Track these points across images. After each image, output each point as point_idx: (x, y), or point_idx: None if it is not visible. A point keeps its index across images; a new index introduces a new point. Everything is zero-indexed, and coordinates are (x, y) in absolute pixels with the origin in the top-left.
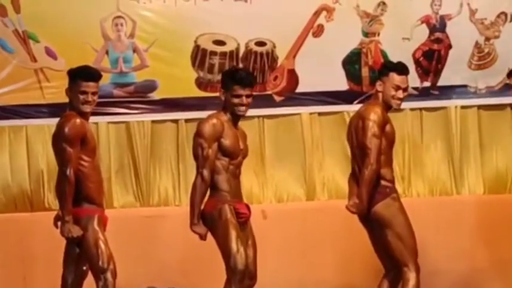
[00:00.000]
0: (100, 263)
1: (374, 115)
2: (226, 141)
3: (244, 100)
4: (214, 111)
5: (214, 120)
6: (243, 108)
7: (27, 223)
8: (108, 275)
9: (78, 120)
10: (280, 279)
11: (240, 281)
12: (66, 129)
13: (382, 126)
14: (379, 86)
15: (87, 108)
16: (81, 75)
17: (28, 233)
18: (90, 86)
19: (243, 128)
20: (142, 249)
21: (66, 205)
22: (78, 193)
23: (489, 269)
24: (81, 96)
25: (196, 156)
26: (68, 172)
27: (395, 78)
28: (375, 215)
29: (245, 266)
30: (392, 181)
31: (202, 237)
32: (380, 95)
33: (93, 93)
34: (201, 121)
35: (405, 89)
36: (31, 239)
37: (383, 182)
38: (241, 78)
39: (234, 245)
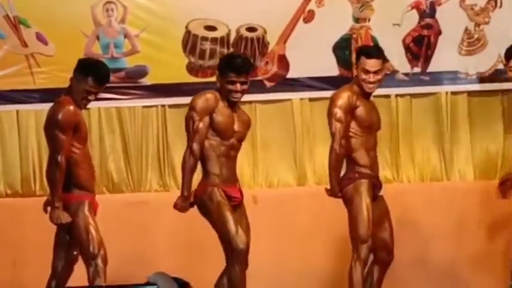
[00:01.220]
0: (91, 248)
1: (339, 100)
2: (218, 117)
3: (239, 87)
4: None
5: (208, 95)
6: (238, 94)
7: (17, 208)
8: (99, 261)
9: (71, 107)
10: (271, 264)
11: (244, 261)
12: (60, 116)
13: (348, 110)
14: (354, 70)
15: (85, 105)
16: (95, 74)
17: (18, 219)
18: (99, 89)
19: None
20: (133, 235)
21: (56, 192)
22: (68, 179)
23: (478, 255)
24: (85, 95)
25: (187, 129)
26: (59, 159)
27: (365, 62)
28: (343, 198)
29: (246, 245)
30: (367, 166)
31: (178, 208)
32: (354, 79)
33: (96, 94)
34: (195, 95)
35: (376, 72)
36: (21, 225)
37: (355, 167)
38: (237, 65)
39: (232, 227)
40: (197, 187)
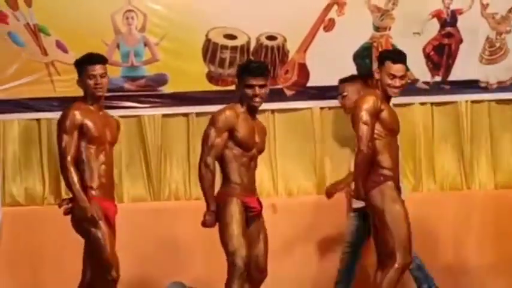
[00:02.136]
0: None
1: (365, 103)
2: (240, 132)
3: (257, 90)
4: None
5: (227, 112)
6: (257, 99)
7: (39, 216)
8: (113, 272)
9: (75, 109)
10: (290, 273)
11: (240, 278)
12: (62, 118)
13: (373, 113)
14: (377, 74)
15: (99, 92)
16: (86, 60)
17: (38, 228)
18: (96, 68)
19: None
20: (153, 243)
21: (74, 192)
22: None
23: (499, 264)
24: (91, 81)
25: (203, 144)
26: (66, 162)
27: (390, 66)
28: (368, 201)
29: (245, 265)
30: (391, 169)
31: (208, 225)
32: (379, 83)
33: (102, 76)
34: (216, 112)
35: (401, 77)
36: (40, 233)
37: (379, 169)
38: (253, 68)
39: (234, 242)
40: (216, 195)
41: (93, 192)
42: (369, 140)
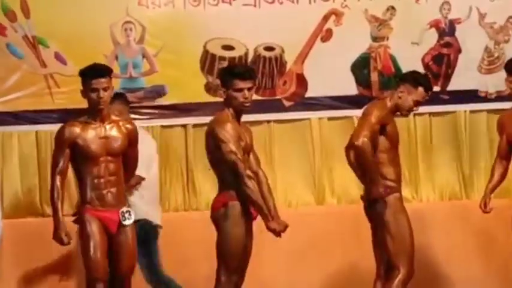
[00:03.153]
0: (89, 270)
1: (377, 110)
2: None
3: (247, 93)
4: (218, 113)
5: (229, 124)
6: (247, 103)
7: (35, 229)
8: (100, 285)
9: (68, 126)
10: (289, 284)
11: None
12: (56, 134)
13: (380, 120)
14: (400, 92)
15: (100, 106)
16: (89, 72)
17: (38, 239)
18: (99, 82)
19: (251, 131)
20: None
21: (54, 212)
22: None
23: (499, 273)
24: (93, 94)
25: (233, 163)
26: (53, 177)
27: (422, 93)
28: (374, 212)
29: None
30: (395, 181)
31: (278, 232)
32: (396, 98)
33: (105, 89)
34: (215, 128)
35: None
36: (38, 246)
37: (385, 181)
38: (240, 71)
39: (234, 247)
40: (214, 199)
41: (87, 205)
42: (371, 135)
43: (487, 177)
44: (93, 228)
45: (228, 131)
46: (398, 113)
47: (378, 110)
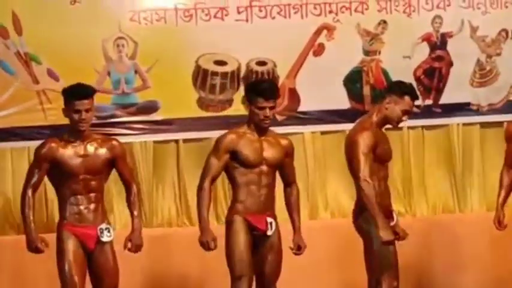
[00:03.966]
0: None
1: (363, 140)
2: (242, 152)
3: (268, 112)
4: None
5: (228, 135)
6: (267, 120)
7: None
8: None
9: (49, 142)
10: None
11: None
12: (36, 148)
13: (371, 149)
14: (386, 104)
15: (82, 127)
16: (72, 93)
17: (27, 256)
18: (82, 104)
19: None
20: (145, 270)
21: (25, 223)
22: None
23: (491, 286)
24: (75, 115)
25: (204, 167)
26: (24, 190)
27: (409, 102)
28: (357, 228)
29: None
30: (378, 195)
31: (204, 247)
32: (384, 109)
33: (87, 110)
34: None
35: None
36: (33, 261)
37: None
38: (264, 90)
39: (237, 267)
40: (226, 215)
41: (65, 221)
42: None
43: (481, 190)
44: (69, 244)
45: (219, 140)
46: (389, 125)
47: (364, 138)
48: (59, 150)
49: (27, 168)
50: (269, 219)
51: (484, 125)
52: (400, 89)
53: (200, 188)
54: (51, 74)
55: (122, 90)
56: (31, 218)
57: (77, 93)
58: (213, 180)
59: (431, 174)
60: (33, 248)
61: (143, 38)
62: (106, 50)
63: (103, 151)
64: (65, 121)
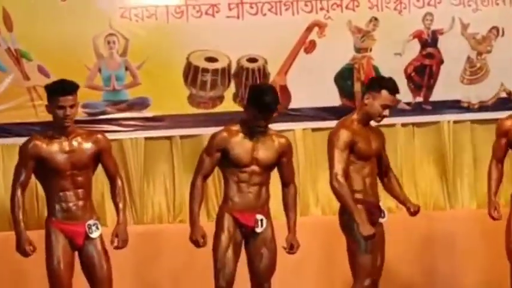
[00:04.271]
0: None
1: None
2: (234, 151)
3: (263, 123)
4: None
5: (220, 133)
6: (262, 128)
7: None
8: None
9: (34, 139)
10: None
11: None
12: (20, 146)
13: (348, 146)
14: (366, 99)
15: (67, 123)
16: (56, 90)
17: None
18: (67, 100)
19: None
20: (136, 267)
21: (14, 224)
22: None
23: (482, 284)
24: (59, 111)
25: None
26: (13, 188)
27: (387, 97)
28: (340, 224)
29: (227, 283)
30: (362, 191)
31: (195, 244)
32: (364, 106)
33: (71, 106)
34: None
35: (390, 107)
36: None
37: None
38: (265, 105)
39: (218, 263)
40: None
41: (53, 218)
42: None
43: (471, 187)
44: (58, 241)
45: (211, 137)
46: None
47: (339, 136)
48: (43, 147)
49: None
50: (259, 217)
51: (474, 122)
52: (377, 84)
53: (192, 185)
54: (41, 70)
55: (112, 87)
56: (21, 217)
57: (61, 90)
58: (205, 177)
59: (422, 171)
60: (22, 249)
61: (134, 35)
62: (97, 46)
63: (88, 145)
64: None
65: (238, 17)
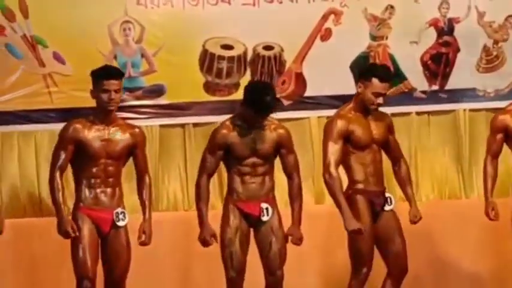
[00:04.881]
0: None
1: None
2: (234, 146)
3: (261, 120)
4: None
5: (220, 131)
6: (262, 123)
7: (36, 228)
8: (85, 283)
9: (73, 123)
10: (289, 283)
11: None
12: (60, 130)
13: (341, 135)
14: (359, 88)
15: (111, 107)
16: (101, 74)
17: (37, 239)
18: (111, 84)
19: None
20: (151, 254)
21: (55, 206)
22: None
23: (498, 272)
24: (104, 95)
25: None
26: (52, 173)
27: (377, 85)
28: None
29: (237, 273)
30: (363, 181)
31: (203, 243)
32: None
33: (116, 91)
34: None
35: (384, 94)
36: (40, 245)
37: (350, 183)
38: (263, 106)
39: (225, 253)
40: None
41: (81, 204)
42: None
43: None
44: (84, 228)
45: (212, 135)
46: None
47: (333, 126)
48: (83, 132)
49: (33, 151)
50: (264, 205)
51: (490, 110)
52: (367, 72)
53: (197, 185)
54: (57, 57)
55: (128, 74)
56: (61, 200)
57: (106, 74)
58: (210, 176)
59: (437, 160)
60: (63, 231)
61: (150, 22)
62: (112, 33)
63: (125, 137)
64: (71, 104)
65: (254, 5)
